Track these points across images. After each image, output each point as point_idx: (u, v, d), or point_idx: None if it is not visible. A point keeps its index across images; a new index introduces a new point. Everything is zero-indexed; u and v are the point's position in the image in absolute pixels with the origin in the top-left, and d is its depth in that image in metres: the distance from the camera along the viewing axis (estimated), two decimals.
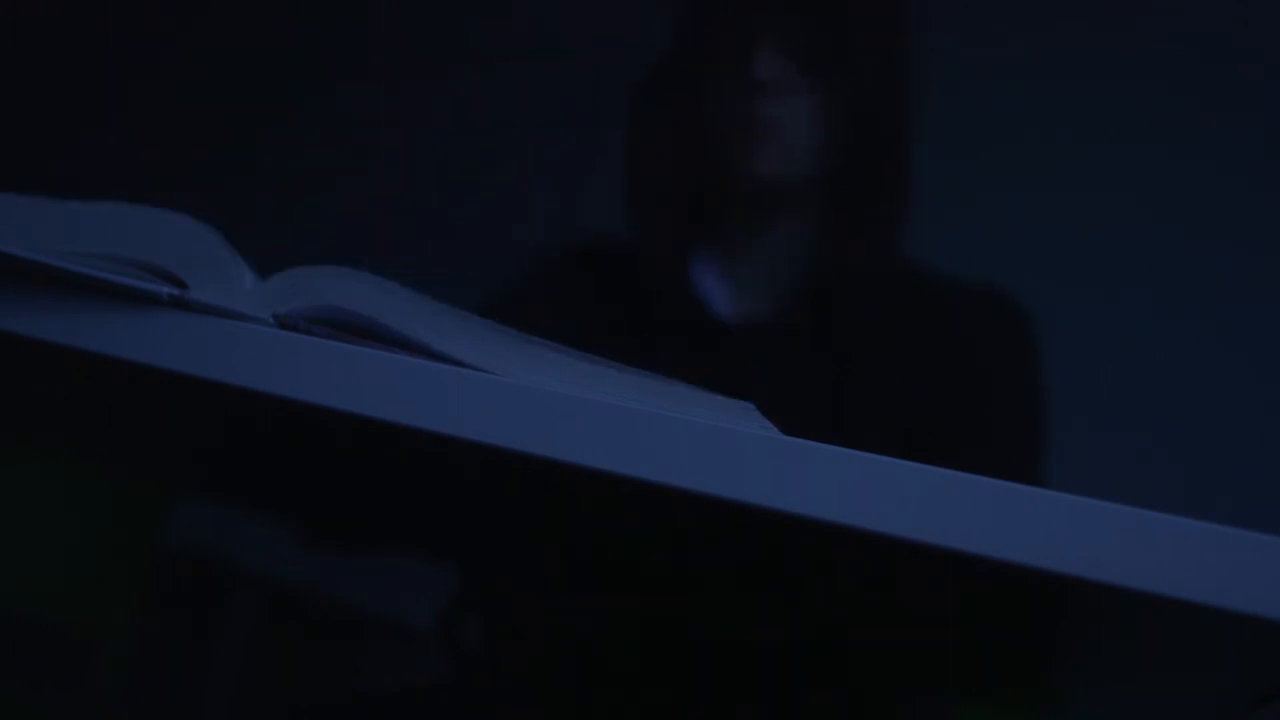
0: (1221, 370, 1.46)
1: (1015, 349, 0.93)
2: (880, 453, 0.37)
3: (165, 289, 0.43)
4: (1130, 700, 0.64)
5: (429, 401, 0.41)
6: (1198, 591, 0.34)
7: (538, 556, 0.75)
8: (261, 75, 2.10)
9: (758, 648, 0.77)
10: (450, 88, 2.03)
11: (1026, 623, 0.49)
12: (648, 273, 0.95)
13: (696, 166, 0.95)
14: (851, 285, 0.94)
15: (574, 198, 1.52)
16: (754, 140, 0.89)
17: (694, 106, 0.93)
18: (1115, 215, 1.52)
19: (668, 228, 0.97)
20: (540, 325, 0.94)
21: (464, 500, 0.60)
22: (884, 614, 0.58)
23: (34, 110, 2.13)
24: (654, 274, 0.95)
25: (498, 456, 0.41)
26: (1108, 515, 0.36)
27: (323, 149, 2.04)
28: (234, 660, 1.81)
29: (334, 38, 2.10)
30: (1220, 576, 0.34)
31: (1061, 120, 1.54)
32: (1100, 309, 1.48)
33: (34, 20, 2.17)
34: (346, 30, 2.11)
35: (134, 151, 2.11)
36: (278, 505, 0.94)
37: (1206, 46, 1.51)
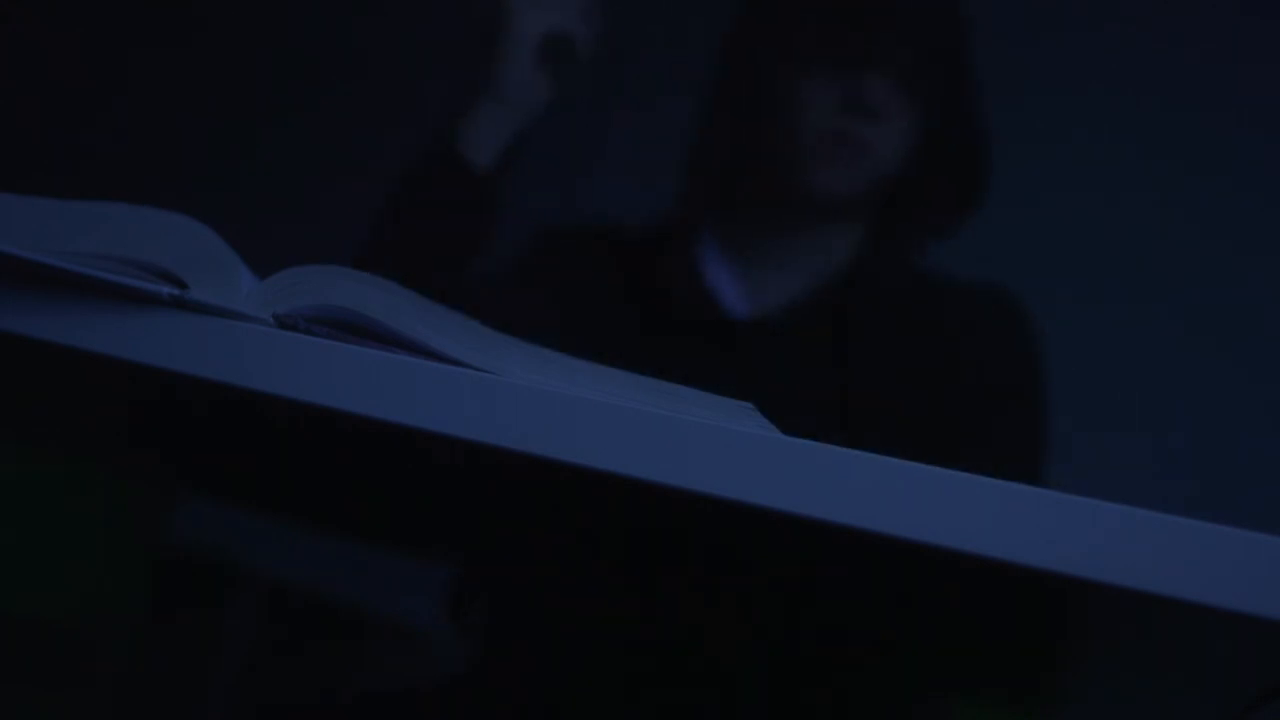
0: (1222, 371, 1.46)
1: (1020, 350, 0.94)
2: (887, 452, 0.37)
3: (166, 289, 0.43)
4: (1130, 700, 0.64)
5: (429, 401, 0.41)
6: (1198, 591, 0.34)
7: (537, 556, 0.75)
8: (262, 75, 2.10)
9: (758, 647, 0.77)
10: (451, 87, 2.03)
11: (1027, 622, 0.49)
12: (663, 263, 0.96)
13: (757, 167, 0.95)
14: (872, 289, 0.94)
15: (573, 198, 1.52)
16: (839, 156, 0.90)
17: (780, 111, 0.92)
18: (1116, 217, 1.52)
19: (698, 219, 0.97)
20: (542, 301, 0.94)
21: (464, 500, 0.60)
22: (884, 613, 0.58)
23: (34, 110, 2.13)
24: (670, 265, 0.95)
25: (498, 456, 0.41)
26: (1108, 515, 0.36)
27: (323, 149, 2.04)
28: (234, 660, 1.81)
29: (334, 38, 2.10)
30: (1220, 576, 0.34)
31: (1060, 121, 1.54)
32: (1101, 310, 1.48)
33: (34, 20, 2.17)
34: (346, 30, 2.11)
35: (134, 151, 2.11)
36: (278, 505, 0.94)
37: (1210, 47, 1.51)
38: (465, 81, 0.97)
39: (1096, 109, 1.54)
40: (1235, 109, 1.51)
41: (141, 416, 0.62)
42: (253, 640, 1.82)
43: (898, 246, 0.96)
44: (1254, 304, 1.49)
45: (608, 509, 0.49)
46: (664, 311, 0.94)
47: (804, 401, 0.86)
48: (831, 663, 0.75)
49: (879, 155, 0.91)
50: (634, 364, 0.47)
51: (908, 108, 0.91)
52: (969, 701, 0.79)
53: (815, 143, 0.90)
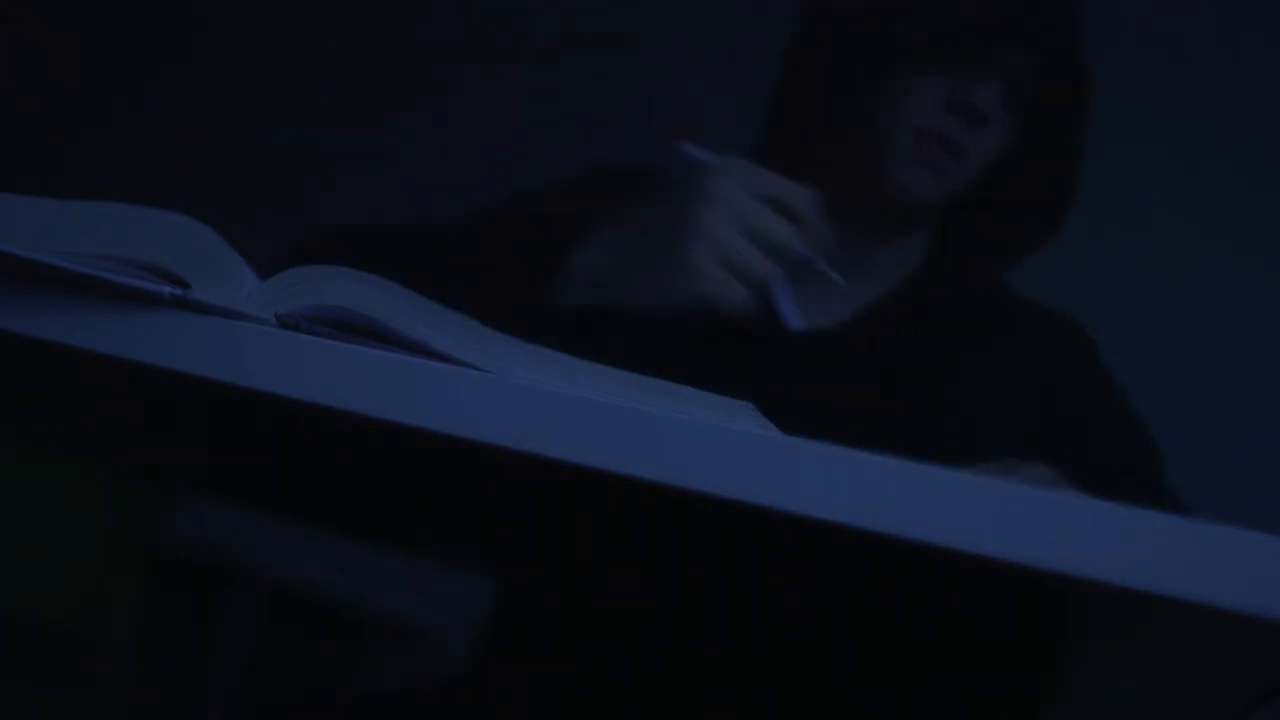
0: (1222, 371, 1.46)
1: (1093, 368, 0.92)
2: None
3: (167, 289, 0.43)
4: (1130, 700, 0.64)
5: (429, 401, 0.41)
6: (1198, 591, 0.34)
7: (537, 556, 0.75)
8: (262, 75, 2.10)
9: (758, 646, 0.77)
10: (452, 87, 2.03)
11: (1026, 623, 0.50)
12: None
13: (838, 162, 0.91)
14: (936, 300, 0.92)
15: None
16: (934, 160, 0.87)
17: (878, 106, 0.88)
18: (1114, 216, 1.52)
19: None
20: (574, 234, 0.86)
21: (464, 500, 0.60)
22: (882, 613, 0.58)
23: (34, 110, 2.13)
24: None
25: (498, 456, 0.41)
26: (1108, 515, 0.36)
27: (323, 149, 2.04)
28: (235, 660, 1.81)
29: (335, 38, 2.10)
30: (1220, 576, 0.34)
31: None
32: (1101, 311, 1.47)
33: (34, 19, 2.17)
34: (347, 30, 2.11)
35: (134, 151, 2.11)
36: (278, 505, 0.94)
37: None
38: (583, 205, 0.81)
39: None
40: (1236, 109, 1.51)
41: (141, 416, 0.62)
42: (253, 640, 1.82)
43: (967, 260, 0.93)
44: (1254, 304, 1.49)
45: (607, 509, 0.49)
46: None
47: (856, 412, 0.84)
48: (831, 662, 0.75)
49: (971, 163, 0.88)
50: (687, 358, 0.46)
51: (1008, 118, 0.87)
52: (968, 701, 0.79)
53: (909, 142, 0.86)
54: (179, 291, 0.44)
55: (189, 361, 0.43)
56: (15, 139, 2.06)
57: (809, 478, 0.37)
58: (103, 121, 2.13)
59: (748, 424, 0.46)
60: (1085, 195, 1.54)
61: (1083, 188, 0.97)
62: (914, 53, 0.87)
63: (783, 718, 0.79)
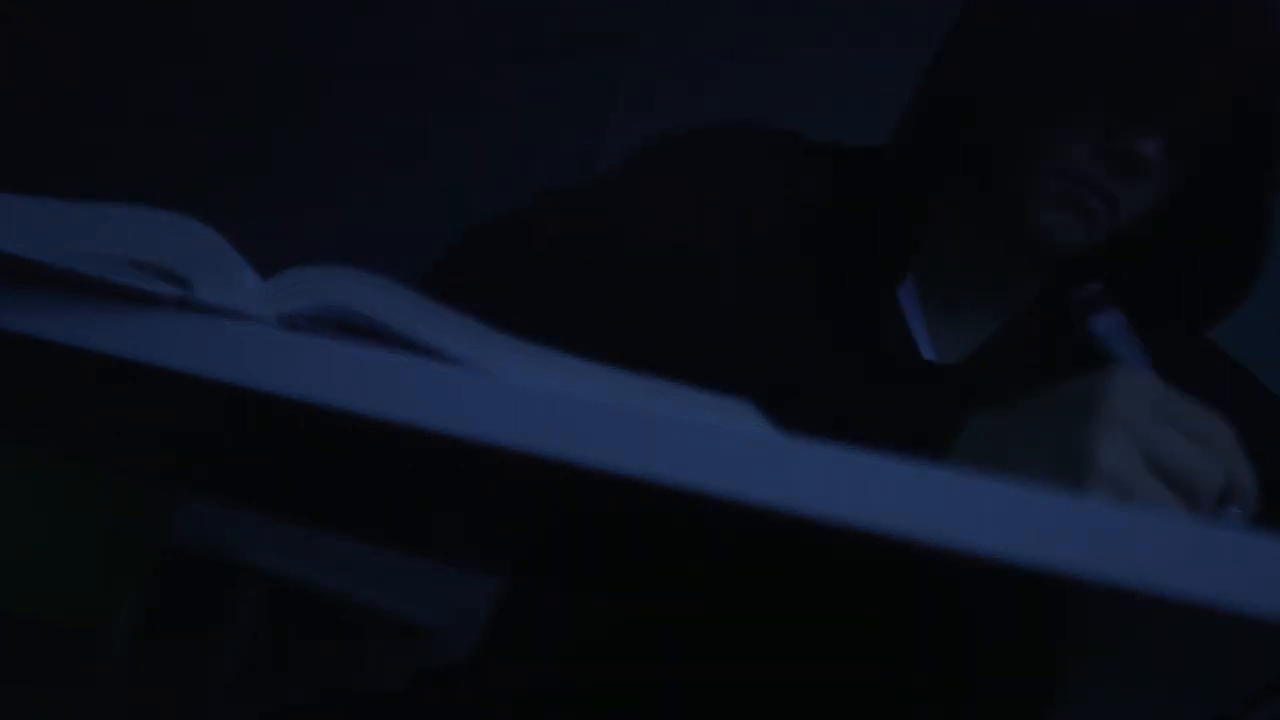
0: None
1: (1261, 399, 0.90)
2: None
3: (169, 289, 0.43)
4: (1130, 700, 0.64)
5: (429, 401, 0.41)
6: (1198, 591, 0.35)
7: (537, 556, 0.75)
8: (263, 76, 2.10)
9: (756, 647, 0.77)
10: (453, 88, 2.03)
11: (1026, 623, 0.50)
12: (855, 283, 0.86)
13: (976, 199, 0.87)
14: (1062, 335, 0.86)
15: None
16: (1083, 207, 0.81)
17: (1031, 145, 0.82)
18: None
19: (897, 250, 0.88)
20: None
21: (463, 500, 0.60)
22: (882, 613, 0.58)
23: (34, 110, 2.13)
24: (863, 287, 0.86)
25: (497, 456, 0.41)
26: (1108, 515, 0.36)
27: (324, 150, 2.04)
28: (235, 660, 1.82)
29: (335, 39, 2.10)
30: (1220, 576, 0.34)
31: None
32: None
33: (34, 20, 2.17)
34: (347, 32, 2.11)
35: (134, 151, 2.11)
36: (278, 505, 0.94)
37: None
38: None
39: None
40: None
41: (142, 416, 0.62)
42: (253, 640, 1.83)
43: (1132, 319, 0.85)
44: (1254, 304, 1.49)
45: (607, 509, 0.49)
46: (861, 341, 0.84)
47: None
48: (830, 662, 0.75)
49: (1120, 214, 0.82)
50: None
51: (1171, 174, 0.82)
52: (967, 701, 0.79)
53: (1057, 185, 0.81)
54: (180, 291, 0.44)
55: (189, 361, 0.43)
56: (15, 139, 2.06)
57: (809, 478, 0.37)
58: (103, 121, 2.13)
59: (748, 424, 0.46)
60: None
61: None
62: (1071, 92, 0.80)
63: (783, 717, 0.79)
